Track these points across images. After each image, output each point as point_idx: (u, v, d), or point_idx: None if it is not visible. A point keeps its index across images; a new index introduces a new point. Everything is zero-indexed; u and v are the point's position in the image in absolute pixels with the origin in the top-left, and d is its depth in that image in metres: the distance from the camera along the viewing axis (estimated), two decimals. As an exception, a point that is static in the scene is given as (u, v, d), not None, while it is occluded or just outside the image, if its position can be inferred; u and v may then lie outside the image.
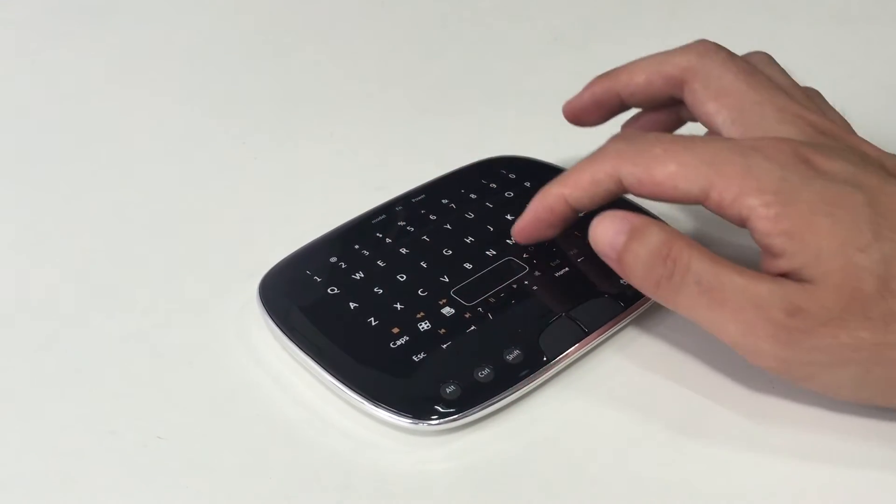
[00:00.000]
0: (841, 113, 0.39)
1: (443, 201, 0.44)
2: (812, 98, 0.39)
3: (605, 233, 0.35)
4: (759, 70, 0.39)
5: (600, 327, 0.38)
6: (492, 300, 0.38)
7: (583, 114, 0.43)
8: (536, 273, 0.40)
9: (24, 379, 0.38)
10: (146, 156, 0.51)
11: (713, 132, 0.38)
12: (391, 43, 0.62)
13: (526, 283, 0.39)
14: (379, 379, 0.36)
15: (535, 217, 0.38)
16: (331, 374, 0.36)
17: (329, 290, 0.39)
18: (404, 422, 0.35)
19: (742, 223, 0.34)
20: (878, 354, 0.32)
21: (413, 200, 0.44)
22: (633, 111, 0.44)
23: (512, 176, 0.45)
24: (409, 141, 0.52)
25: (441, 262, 0.40)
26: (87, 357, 0.39)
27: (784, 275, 0.33)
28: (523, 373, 0.36)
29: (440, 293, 0.39)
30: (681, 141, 0.35)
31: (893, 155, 0.36)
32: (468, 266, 0.40)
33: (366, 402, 0.35)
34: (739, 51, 0.40)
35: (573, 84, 0.43)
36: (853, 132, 0.38)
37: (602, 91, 0.42)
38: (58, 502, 0.33)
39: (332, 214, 0.43)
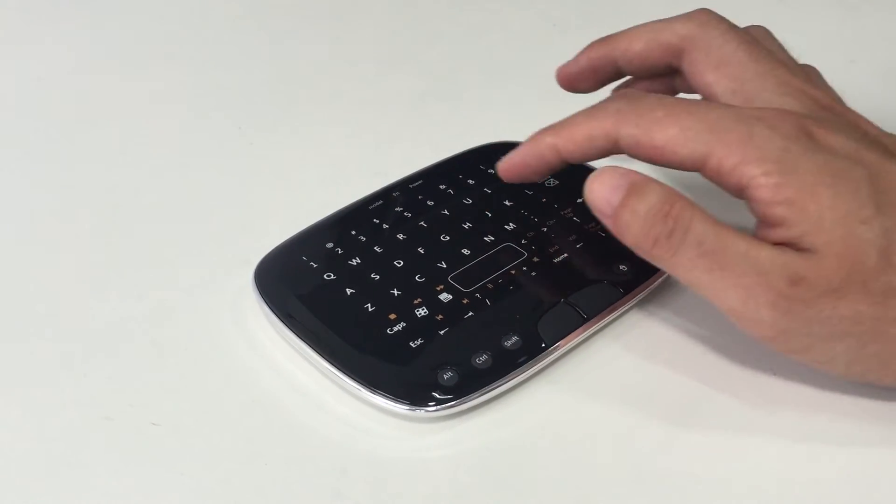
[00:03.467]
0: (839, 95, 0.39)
1: (440, 187, 0.43)
2: (810, 75, 0.39)
3: (602, 188, 0.34)
4: (760, 42, 0.38)
5: (599, 313, 0.37)
6: (490, 286, 0.38)
7: (577, 79, 0.42)
8: (535, 259, 0.39)
9: (19, 364, 0.38)
10: (142, 141, 0.51)
11: None
12: (389, 28, 0.61)
13: (524, 269, 0.39)
14: (376, 365, 0.35)
15: (523, 161, 0.38)
16: (327, 360, 0.36)
17: (325, 276, 0.39)
18: (401, 408, 0.34)
19: (740, 192, 0.33)
20: (874, 329, 0.32)
21: (410, 186, 0.44)
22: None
23: None
24: (407, 126, 0.52)
25: (439, 247, 0.40)
26: (81, 343, 0.39)
27: (783, 244, 0.32)
28: (521, 359, 0.35)
29: (438, 279, 0.38)
30: (683, 104, 0.34)
31: (892, 134, 0.36)
32: (466, 252, 0.39)
33: (362, 389, 0.35)
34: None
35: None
36: (853, 111, 0.37)
37: (599, 57, 0.41)
38: (52, 488, 0.33)
39: (329, 200, 0.43)
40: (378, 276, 0.39)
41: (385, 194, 0.43)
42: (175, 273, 0.42)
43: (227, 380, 0.37)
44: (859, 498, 0.32)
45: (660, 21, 0.40)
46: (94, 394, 0.36)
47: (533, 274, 0.39)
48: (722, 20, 0.39)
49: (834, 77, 0.40)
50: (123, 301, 0.41)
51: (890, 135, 0.36)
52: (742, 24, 0.40)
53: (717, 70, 0.37)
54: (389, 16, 0.63)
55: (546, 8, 0.62)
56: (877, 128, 0.36)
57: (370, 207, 0.42)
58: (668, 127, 0.34)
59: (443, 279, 0.38)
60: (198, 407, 0.36)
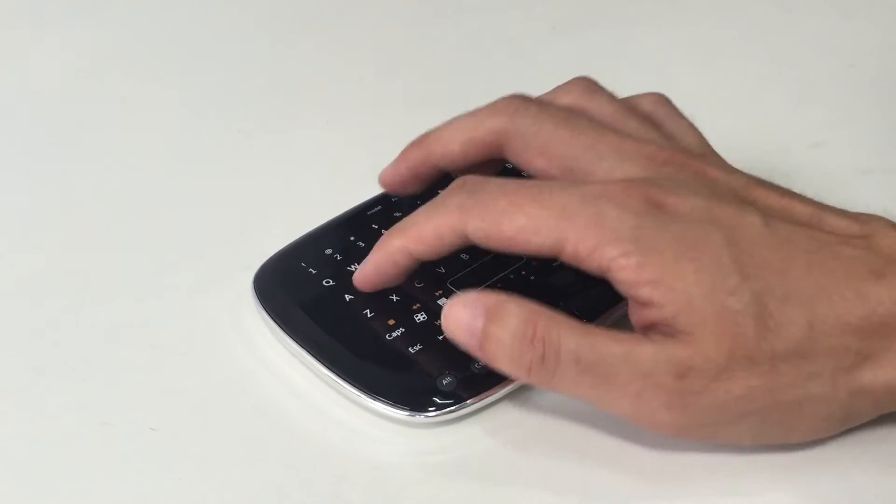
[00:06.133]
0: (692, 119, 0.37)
1: (439, 191, 0.43)
2: (652, 115, 0.37)
3: (460, 319, 0.33)
4: (579, 111, 0.37)
5: (598, 317, 0.37)
6: (488, 291, 0.38)
7: (401, 186, 0.40)
8: (533, 263, 0.39)
9: (17, 369, 0.38)
10: (139, 144, 0.51)
11: None
12: (387, 31, 0.61)
13: (522, 273, 0.39)
14: (375, 371, 0.36)
15: (378, 270, 0.36)
16: (326, 366, 0.36)
17: (324, 282, 0.39)
18: (401, 414, 0.34)
19: (603, 274, 0.32)
20: (772, 400, 0.31)
21: (409, 191, 0.44)
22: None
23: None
24: (406, 130, 0.51)
25: (437, 252, 0.40)
26: (80, 347, 0.39)
27: (655, 324, 0.31)
28: (521, 364, 0.35)
29: (436, 284, 0.38)
30: (526, 190, 0.33)
31: (741, 174, 0.35)
32: (464, 256, 0.39)
33: (362, 395, 0.35)
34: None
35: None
36: (703, 149, 0.36)
37: (418, 164, 0.39)
38: (51, 494, 0.33)
39: (328, 205, 0.43)
40: (377, 282, 0.39)
41: (384, 199, 0.43)
42: (174, 278, 0.42)
43: (226, 385, 0.37)
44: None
45: (469, 117, 0.38)
46: (92, 398, 0.36)
47: (531, 278, 0.39)
48: (530, 103, 0.37)
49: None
50: (122, 305, 0.41)
51: (739, 176, 0.35)
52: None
53: (542, 156, 0.36)
54: (389, 18, 0.63)
55: (545, 11, 0.62)
56: (724, 169, 0.35)
57: (369, 213, 0.42)
58: (514, 217, 0.32)
59: (441, 284, 0.38)
60: (197, 412, 0.36)
